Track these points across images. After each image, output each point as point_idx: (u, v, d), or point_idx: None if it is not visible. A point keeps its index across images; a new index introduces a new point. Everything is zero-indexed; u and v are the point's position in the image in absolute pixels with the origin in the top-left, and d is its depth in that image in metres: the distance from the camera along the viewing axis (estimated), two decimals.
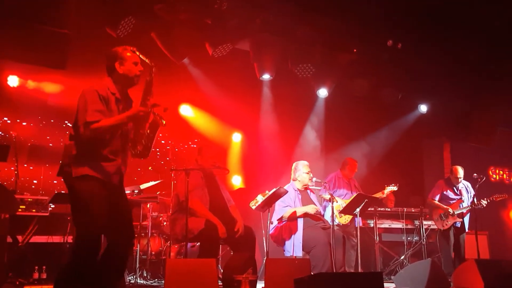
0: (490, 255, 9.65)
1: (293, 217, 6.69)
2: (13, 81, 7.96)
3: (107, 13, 6.97)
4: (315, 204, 6.99)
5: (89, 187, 3.89)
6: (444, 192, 8.70)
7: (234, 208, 6.30)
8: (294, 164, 7.23)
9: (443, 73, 9.51)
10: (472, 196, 8.52)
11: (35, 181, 8.19)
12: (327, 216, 7.43)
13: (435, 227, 8.91)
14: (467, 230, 8.61)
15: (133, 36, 7.11)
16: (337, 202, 7.71)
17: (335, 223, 7.85)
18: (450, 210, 8.46)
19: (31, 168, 7.69)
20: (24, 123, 8.05)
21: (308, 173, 7.02)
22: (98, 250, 3.95)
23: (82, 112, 3.88)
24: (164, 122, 3.99)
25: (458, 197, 8.64)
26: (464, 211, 8.48)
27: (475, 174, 8.14)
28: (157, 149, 9.84)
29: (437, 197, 8.71)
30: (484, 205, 8.37)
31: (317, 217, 6.84)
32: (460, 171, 8.66)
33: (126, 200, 4.22)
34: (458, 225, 8.54)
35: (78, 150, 3.95)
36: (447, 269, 8.17)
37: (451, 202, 8.61)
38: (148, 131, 4.00)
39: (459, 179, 8.65)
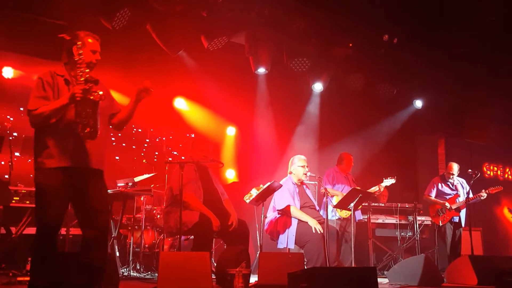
0: (483, 252, 9.69)
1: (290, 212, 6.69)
2: (7, 72, 7.92)
3: (103, 5, 6.94)
4: (311, 200, 7.00)
5: (42, 179, 3.89)
6: (440, 188, 8.74)
7: (228, 201, 6.29)
8: (291, 158, 7.23)
9: (438, 68, 9.52)
10: (467, 192, 8.57)
11: (30, 174, 8.15)
12: (329, 211, 7.44)
13: (429, 222, 8.94)
14: (463, 226, 8.64)
15: (128, 28, 7.08)
16: (332, 196, 7.72)
17: (336, 217, 7.94)
18: (447, 204, 8.50)
19: (26, 159, 7.65)
20: (21, 115, 8.01)
21: (303, 167, 7.00)
22: (53, 244, 3.94)
23: (27, 102, 3.93)
24: (100, 93, 3.86)
25: (454, 192, 8.69)
26: (461, 205, 8.52)
27: (469, 170, 8.16)
28: (147, 140, 9.83)
29: (433, 194, 8.74)
30: (484, 197, 8.42)
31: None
32: (455, 168, 8.70)
33: (98, 186, 4.10)
34: (456, 220, 8.57)
35: (35, 140, 4.00)
36: (442, 264, 8.22)
37: (447, 197, 8.65)
38: (89, 110, 3.87)
39: (454, 175, 8.69)
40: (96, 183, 4.07)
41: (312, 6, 8.03)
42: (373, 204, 8.97)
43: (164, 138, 9.83)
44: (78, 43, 4.04)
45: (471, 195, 8.38)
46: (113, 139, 9.36)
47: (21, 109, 8.06)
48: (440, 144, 11.49)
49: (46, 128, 3.93)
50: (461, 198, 8.58)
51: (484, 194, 8.45)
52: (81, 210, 4.04)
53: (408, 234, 9.07)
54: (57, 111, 3.87)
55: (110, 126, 4.37)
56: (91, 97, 3.82)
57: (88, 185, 4.00)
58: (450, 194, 8.68)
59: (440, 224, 8.57)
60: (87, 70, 3.95)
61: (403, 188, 10.24)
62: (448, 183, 8.76)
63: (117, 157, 9.39)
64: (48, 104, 3.86)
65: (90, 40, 4.15)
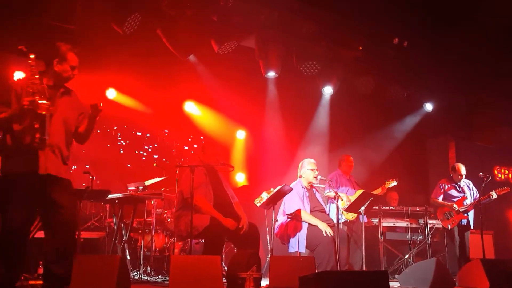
0: (495, 255, 9.62)
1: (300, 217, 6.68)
2: (19, 76, 7.96)
3: (114, 10, 6.98)
4: (321, 204, 6.98)
5: (4, 189, 3.99)
6: (447, 191, 8.69)
7: (238, 205, 6.29)
8: (301, 162, 7.23)
9: (449, 71, 9.49)
10: (474, 193, 8.53)
11: None
12: (332, 214, 7.43)
13: (439, 226, 8.88)
14: (472, 228, 8.58)
15: (139, 32, 7.12)
16: (342, 199, 7.70)
17: (342, 220, 7.91)
18: (455, 206, 8.44)
19: None
20: None
21: (312, 170, 6.99)
22: (11, 254, 3.99)
23: None
24: (44, 103, 3.95)
25: (462, 194, 8.63)
26: (469, 207, 8.46)
27: (481, 173, 8.11)
28: (155, 145, 9.87)
29: (441, 197, 8.70)
30: (495, 197, 8.35)
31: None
32: (463, 169, 8.65)
33: (59, 193, 4.17)
34: (464, 222, 8.51)
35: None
36: (452, 268, 8.16)
37: (455, 200, 8.60)
38: (35, 122, 3.95)
39: (462, 177, 8.63)
40: (57, 189, 4.14)
41: (321, 9, 8.04)
42: (383, 207, 8.94)
43: (178, 143, 9.87)
44: (60, 58, 4.20)
45: (477, 197, 8.34)
46: (123, 143, 9.41)
47: None
48: (451, 147, 11.44)
49: (9, 135, 4.04)
50: (469, 201, 8.53)
51: (494, 195, 8.38)
52: (44, 216, 4.14)
53: (419, 237, 9.02)
54: (9, 119, 3.98)
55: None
56: (37, 109, 3.91)
57: (49, 192, 4.09)
58: (457, 197, 8.62)
59: (449, 228, 8.51)
60: (38, 82, 4.03)
61: (414, 192, 10.20)
62: (455, 185, 8.70)
63: (128, 165, 9.44)
64: (5, 112, 3.98)
65: (71, 56, 4.24)
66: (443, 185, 8.78)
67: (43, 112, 3.93)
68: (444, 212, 8.56)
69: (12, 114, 3.96)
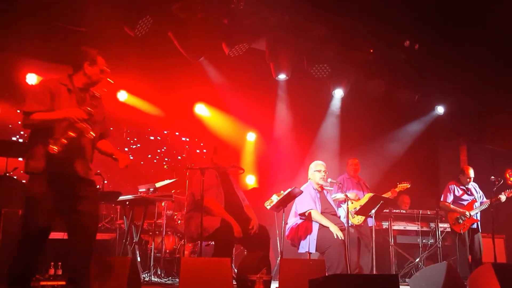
0: (507, 259, 9.54)
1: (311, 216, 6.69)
2: (31, 78, 8.04)
3: (125, 12, 7.01)
4: (332, 206, 6.98)
5: (32, 185, 4.00)
6: (456, 194, 8.61)
7: (248, 207, 6.30)
8: (310, 164, 7.23)
9: (460, 74, 9.43)
10: (481, 197, 8.45)
11: None
12: (342, 217, 7.41)
13: (450, 229, 8.83)
14: (480, 231, 8.50)
15: (150, 35, 7.15)
16: (352, 202, 7.66)
17: (349, 224, 7.87)
18: (467, 213, 8.35)
19: None
20: None
21: (319, 171, 6.99)
22: (36, 251, 4.01)
23: (23, 103, 4.05)
24: (93, 134, 4.04)
25: (471, 197, 8.54)
26: (478, 211, 8.39)
27: (492, 177, 8.05)
28: (164, 148, 9.90)
29: (450, 199, 8.61)
30: (504, 199, 8.27)
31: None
32: (471, 172, 8.58)
33: (88, 195, 4.20)
34: (474, 226, 8.44)
35: (28, 142, 4.11)
36: (463, 272, 8.09)
37: (464, 203, 8.50)
38: (72, 134, 3.98)
39: (471, 179, 8.57)
40: (83, 190, 4.16)
41: (332, 11, 8.03)
42: (394, 211, 8.90)
43: (187, 146, 9.90)
44: (91, 60, 4.22)
45: (484, 199, 8.28)
46: (133, 146, 9.45)
47: None
48: (462, 150, 11.37)
49: (38, 134, 4.03)
50: (478, 203, 8.46)
51: (503, 197, 8.30)
52: (67, 216, 4.14)
53: (430, 241, 8.97)
54: (50, 122, 3.98)
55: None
56: (83, 131, 3.97)
57: (75, 192, 4.11)
58: (467, 200, 8.51)
59: (462, 232, 8.41)
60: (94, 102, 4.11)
61: (425, 195, 10.14)
62: (464, 188, 8.63)
63: (142, 162, 9.48)
64: (44, 112, 3.97)
65: (100, 60, 4.28)
66: (453, 187, 8.69)
67: (92, 134, 4.03)
68: (455, 216, 8.49)
69: (56, 117, 3.97)
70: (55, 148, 3.84)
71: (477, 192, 8.63)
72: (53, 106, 4.03)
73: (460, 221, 8.39)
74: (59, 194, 4.02)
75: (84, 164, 4.18)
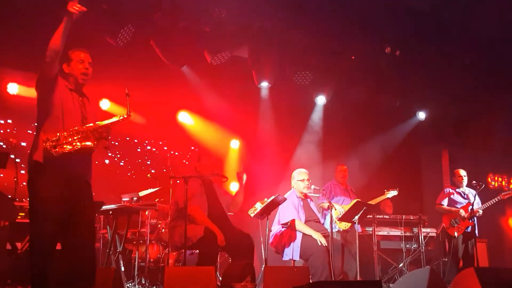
0: (489, 263, 9.62)
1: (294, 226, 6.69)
2: (12, 88, 7.99)
3: (107, 22, 7.00)
4: (316, 214, 7.00)
5: (42, 181, 3.92)
6: (452, 197, 8.65)
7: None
8: (293, 173, 7.24)
9: (441, 79, 9.52)
10: (479, 203, 8.45)
11: None
12: (327, 224, 7.44)
13: (433, 234, 8.88)
14: (477, 235, 8.48)
15: (132, 44, 7.14)
16: (335, 209, 7.69)
17: (336, 229, 7.90)
18: (462, 211, 8.37)
19: None
20: (29, 131, 8.06)
21: (303, 181, 6.99)
22: (50, 254, 3.91)
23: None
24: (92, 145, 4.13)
25: (466, 200, 8.56)
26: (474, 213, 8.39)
27: (474, 182, 8.11)
28: (146, 157, 9.87)
29: (445, 201, 8.64)
30: (480, 214, 8.32)
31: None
32: (462, 171, 8.67)
33: (87, 197, 4.24)
34: (469, 229, 8.41)
35: (36, 132, 4.10)
36: (451, 277, 8.10)
37: (459, 206, 8.53)
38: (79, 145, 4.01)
39: (462, 178, 8.61)
40: (87, 194, 4.23)
41: (313, 19, 8.08)
42: (377, 216, 8.94)
43: (168, 154, 9.86)
44: (67, 60, 4.29)
45: (477, 206, 8.32)
46: (114, 155, 9.41)
47: (30, 130, 8.06)
48: (444, 155, 11.46)
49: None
50: (475, 207, 8.46)
51: (480, 212, 8.32)
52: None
53: (413, 246, 9.02)
54: (61, 34, 4.02)
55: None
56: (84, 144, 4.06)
57: (81, 195, 4.13)
58: (461, 203, 8.56)
59: (456, 235, 8.39)
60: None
61: (408, 200, 10.20)
62: (460, 191, 8.68)
63: (129, 173, 9.44)
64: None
65: (76, 53, 4.31)
66: (448, 190, 8.74)
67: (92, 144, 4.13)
68: (450, 219, 8.50)
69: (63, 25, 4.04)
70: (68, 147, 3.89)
71: (474, 199, 8.61)
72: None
73: (455, 224, 8.41)
74: (65, 197, 3.98)
75: (87, 166, 4.26)
